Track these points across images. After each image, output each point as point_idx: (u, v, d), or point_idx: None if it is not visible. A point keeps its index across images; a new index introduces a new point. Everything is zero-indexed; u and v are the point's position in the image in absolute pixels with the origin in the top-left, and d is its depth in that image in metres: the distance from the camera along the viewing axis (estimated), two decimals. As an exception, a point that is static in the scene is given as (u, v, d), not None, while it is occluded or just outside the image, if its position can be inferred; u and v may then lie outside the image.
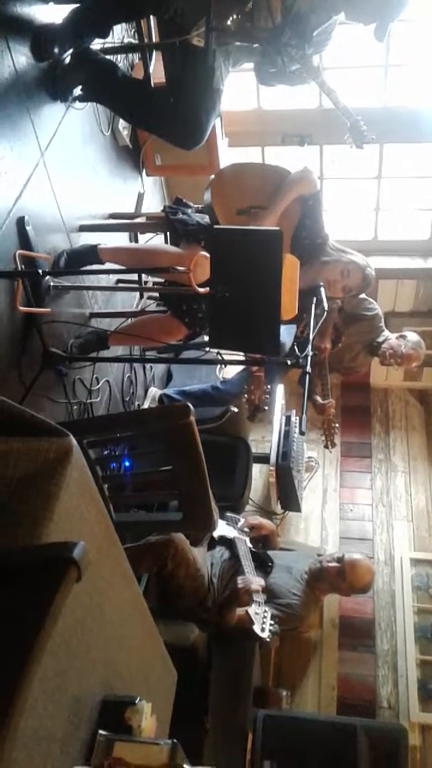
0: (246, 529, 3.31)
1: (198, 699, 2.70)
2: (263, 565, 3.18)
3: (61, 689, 1.13)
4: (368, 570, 3.25)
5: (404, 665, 3.61)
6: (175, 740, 1.27)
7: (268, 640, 2.69)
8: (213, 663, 2.89)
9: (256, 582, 2.84)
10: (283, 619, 3.02)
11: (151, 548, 2.83)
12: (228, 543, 3.19)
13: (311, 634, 3.68)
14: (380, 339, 3.57)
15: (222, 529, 3.21)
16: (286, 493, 3.83)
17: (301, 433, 2.73)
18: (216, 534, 3.16)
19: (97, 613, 1.30)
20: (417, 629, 3.73)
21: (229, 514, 3.38)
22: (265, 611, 2.74)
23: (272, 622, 2.72)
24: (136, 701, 1.31)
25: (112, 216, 3.43)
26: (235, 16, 2.63)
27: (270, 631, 2.68)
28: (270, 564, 3.21)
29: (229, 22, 2.62)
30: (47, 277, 2.63)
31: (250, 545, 3.18)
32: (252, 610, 2.72)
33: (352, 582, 3.19)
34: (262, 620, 2.69)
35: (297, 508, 3.96)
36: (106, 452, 2.28)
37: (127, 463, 2.29)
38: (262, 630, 2.66)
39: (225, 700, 2.72)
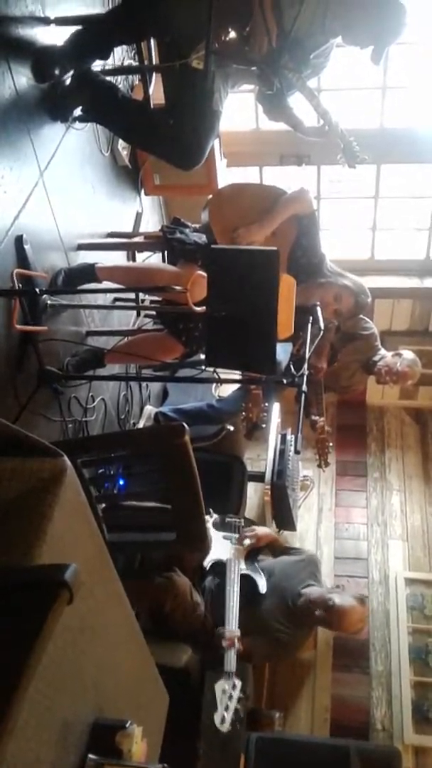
0: (245, 542, 3.27)
1: (190, 722, 2.67)
2: (254, 593, 3.11)
3: (50, 712, 1.12)
4: (359, 618, 3.13)
5: (398, 687, 3.58)
6: (165, 765, 1.26)
7: (224, 731, 2.45)
8: (205, 685, 2.86)
9: (229, 633, 2.77)
10: (270, 654, 2.98)
11: (151, 591, 2.83)
12: (221, 568, 3.13)
13: (305, 655, 3.65)
14: (376, 358, 3.59)
15: (217, 547, 3.18)
16: (281, 512, 3.82)
17: (297, 452, 2.73)
18: (210, 558, 3.12)
19: (88, 635, 1.30)
20: (411, 650, 3.70)
21: (228, 519, 3.34)
22: (231, 695, 2.51)
23: (238, 707, 2.48)
24: (127, 725, 1.30)
25: (110, 235, 3.45)
26: (233, 40, 2.66)
27: (232, 720, 2.45)
28: (260, 593, 3.13)
29: (227, 46, 2.66)
30: (44, 296, 2.64)
31: (242, 567, 3.15)
32: (219, 686, 2.53)
33: (340, 630, 3.16)
34: (225, 703, 2.47)
35: (292, 527, 3.95)
36: (100, 471, 2.28)
37: (121, 482, 2.29)
38: (222, 721, 2.44)
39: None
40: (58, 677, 1.15)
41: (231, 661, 2.67)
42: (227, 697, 2.48)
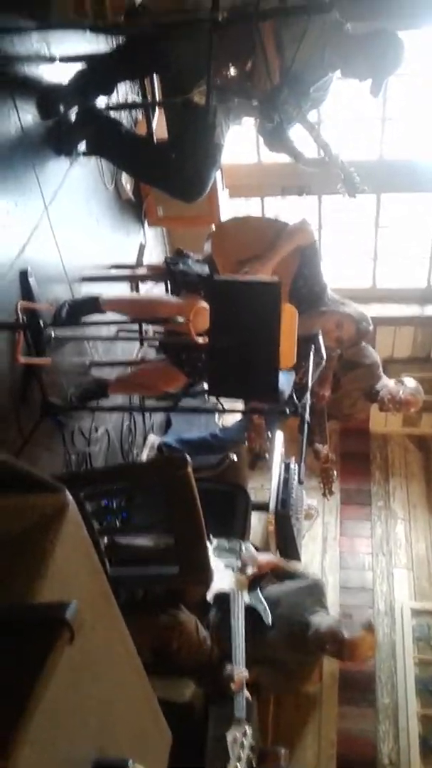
0: (247, 570, 3.23)
1: (194, 758, 2.63)
2: (260, 625, 3.06)
3: (51, 751, 1.11)
4: (369, 647, 3.07)
5: (405, 719, 3.52)
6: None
7: None
8: (209, 720, 2.82)
9: (238, 676, 2.70)
10: (278, 683, 2.92)
11: (156, 629, 2.78)
12: (224, 600, 3.07)
13: (310, 689, 3.60)
14: (378, 386, 3.59)
15: (219, 578, 3.14)
16: (286, 542, 3.79)
17: (300, 482, 2.72)
18: (213, 590, 3.08)
19: (90, 672, 1.29)
20: (418, 682, 3.64)
21: (229, 545, 3.31)
22: (243, 743, 2.42)
23: (249, 754, 2.40)
24: (129, 764, 1.28)
25: (114, 267, 3.48)
26: (235, 75, 2.71)
27: (245, 763, 2.38)
28: (268, 625, 3.08)
29: (229, 81, 2.70)
30: (49, 328, 2.66)
31: (246, 599, 3.11)
32: (230, 735, 2.44)
33: (352, 660, 3.08)
34: (238, 753, 2.37)
35: (296, 556, 3.92)
36: (103, 504, 2.27)
37: (123, 515, 2.28)
38: None
39: (221, 760, 2.63)
40: (59, 714, 1.14)
41: (240, 706, 2.60)
42: (239, 746, 2.39)
